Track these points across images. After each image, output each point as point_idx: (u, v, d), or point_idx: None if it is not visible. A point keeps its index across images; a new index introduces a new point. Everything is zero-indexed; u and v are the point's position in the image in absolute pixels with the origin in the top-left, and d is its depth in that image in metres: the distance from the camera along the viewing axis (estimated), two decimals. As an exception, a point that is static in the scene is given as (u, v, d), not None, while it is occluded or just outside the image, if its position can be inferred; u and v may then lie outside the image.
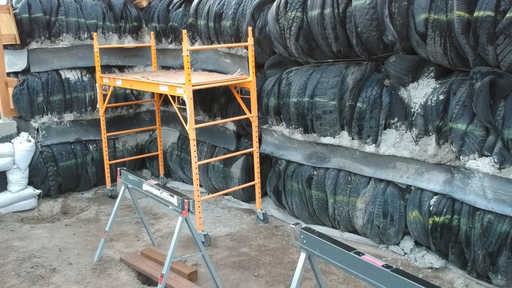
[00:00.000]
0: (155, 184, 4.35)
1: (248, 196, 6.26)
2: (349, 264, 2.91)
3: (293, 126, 5.34)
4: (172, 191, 4.12)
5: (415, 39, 4.30)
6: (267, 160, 6.06)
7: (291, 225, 3.30)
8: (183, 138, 7.11)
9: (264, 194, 5.99)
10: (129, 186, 4.74)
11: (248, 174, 6.08)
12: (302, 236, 3.24)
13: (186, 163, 6.95)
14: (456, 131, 4.11)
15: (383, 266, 2.72)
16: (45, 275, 4.61)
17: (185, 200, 3.91)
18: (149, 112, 7.55)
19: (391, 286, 2.64)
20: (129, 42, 7.21)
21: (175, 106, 5.22)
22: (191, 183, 6.96)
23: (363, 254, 2.87)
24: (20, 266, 4.82)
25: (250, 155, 6.05)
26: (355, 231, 5.12)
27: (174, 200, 4.04)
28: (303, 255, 3.26)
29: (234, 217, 5.93)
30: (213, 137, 6.48)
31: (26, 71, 6.58)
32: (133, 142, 7.45)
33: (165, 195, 4.16)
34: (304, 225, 3.54)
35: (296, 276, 3.24)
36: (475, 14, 3.80)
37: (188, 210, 3.93)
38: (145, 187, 4.43)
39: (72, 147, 6.79)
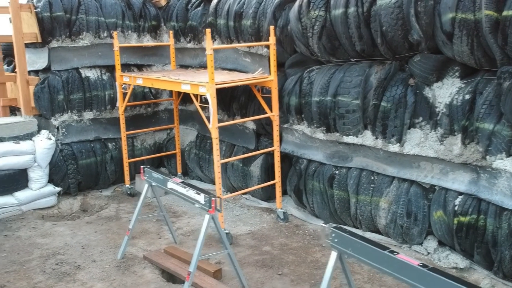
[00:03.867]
0: (180, 182, 4.37)
1: (267, 195, 6.27)
2: (383, 263, 2.92)
3: (315, 125, 5.34)
4: (199, 189, 4.14)
5: (441, 39, 4.29)
6: (286, 160, 6.06)
7: (321, 224, 3.31)
8: (201, 137, 7.14)
9: (283, 193, 5.99)
10: (153, 184, 4.77)
11: (267, 173, 6.09)
12: (333, 235, 3.25)
13: (204, 162, 6.97)
14: (482, 130, 4.10)
15: (419, 265, 2.72)
16: (70, 272, 4.64)
17: (212, 198, 3.93)
18: (167, 111, 7.58)
19: (428, 285, 2.64)
20: (147, 41, 7.24)
21: (197, 105, 5.23)
22: (209, 182, 7.01)
23: (397, 253, 2.88)
24: (45, 262, 4.86)
25: (269, 154, 6.06)
26: (377, 231, 5.11)
27: (201, 198, 4.05)
28: (334, 254, 3.27)
29: (254, 216, 5.94)
30: (232, 136, 6.50)
31: (46, 69, 6.63)
32: (151, 140, 7.49)
33: (191, 193, 4.17)
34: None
35: (327, 275, 3.24)
36: (504, 13, 3.79)
37: (216, 208, 3.94)
38: (170, 185, 4.46)
39: (92, 145, 6.84)
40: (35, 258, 4.96)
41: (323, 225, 3.30)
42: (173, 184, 4.42)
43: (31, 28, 6.40)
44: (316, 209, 5.54)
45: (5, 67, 7.40)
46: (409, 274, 2.76)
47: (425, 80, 4.58)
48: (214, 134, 5.02)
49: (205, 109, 5.42)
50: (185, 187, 4.27)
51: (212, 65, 4.88)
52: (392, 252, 2.88)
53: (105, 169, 6.94)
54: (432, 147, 4.52)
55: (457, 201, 4.37)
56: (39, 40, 6.41)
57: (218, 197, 3.96)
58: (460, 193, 4.38)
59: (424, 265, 2.72)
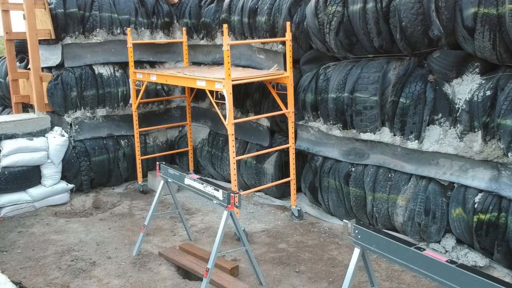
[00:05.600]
0: (197, 178, 4.34)
1: (280, 192, 6.24)
2: (409, 259, 2.87)
3: (331, 122, 5.30)
4: (216, 185, 4.10)
5: (462, 34, 4.24)
6: (299, 157, 6.01)
7: (344, 220, 3.27)
8: (214, 134, 7.11)
9: (297, 191, 5.94)
10: (169, 180, 4.74)
11: (281, 170, 6.06)
12: (356, 231, 3.21)
13: (216, 159, 6.94)
14: (504, 127, 4.04)
15: (447, 261, 2.68)
16: (86, 268, 4.62)
17: (232, 194, 3.90)
18: (179, 108, 7.55)
19: (457, 282, 2.59)
20: (160, 38, 7.21)
21: (213, 101, 5.20)
22: (222, 179, 6.97)
23: (424, 249, 2.83)
24: (60, 259, 4.84)
25: (283, 151, 6.03)
26: (393, 229, 5.06)
27: (219, 194, 4.02)
28: (357, 251, 3.22)
29: (267, 214, 5.90)
30: (245, 133, 6.46)
31: (59, 66, 6.62)
32: (163, 138, 7.47)
33: (209, 189, 4.14)
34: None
35: (350, 272, 3.20)
36: (528, 8, 3.73)
37: (234, 204, 3.91)
38: (187, 181, 4.43)
39: (104, 142, 6.82)
40: (50, 255, 4.95)
41: (345, 221, 3.26)
42: (190, 180, 4.39)
43: (44, 24, 6.39)
44: (332, 206, 5.49)
45: (17, 64, 7.39)
46: (436, 271, 2.71)
47: (444, 77, 4.53)
48: (230, 130, 4.98)
49: (218, 105, 5.40)
50: (202, 183, 4.24)
51: (229, 61, 4.85)
52: (419, 248, 2.84)
53: (118, 166, 6.92)
54: (451, 144, 4.47)
55: (477, 199, 4.32)
56: (53, 37, 6.39)
57: (237, 193, 3.92)
58: (480, 191, 4.32)
59: (452, 262, 2.67)
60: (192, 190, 4.40)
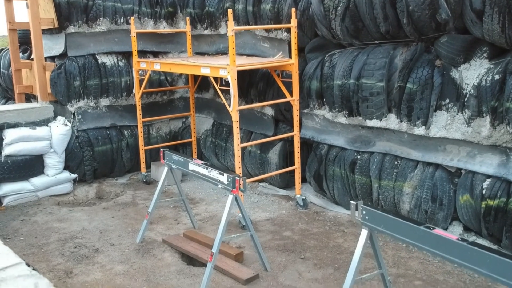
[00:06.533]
0: (202, 163, 4.29)
1: (284, 182, 6.19)
2: (419, 239, 2.82)
3: (337, 110, 5.25)
4: (221, 170, 4.06)
5: (470, 17, 4.18)
6: (304, 147, 5.96)
7: (351, 201, 3.22)
8: (218, 125, 7.06)
9: (302, 180, 5.89)
10: (173, 167, 4.70)
11: (285, 160, 6.01)
12: (364, 212, 3.16)
13: (220, 150, 6.90)
14: (513, 111, 3.98)
15: (458, 239, 2.62)
16: (89, 255, 4.58)
17: (236, 178, 3.85)
18: (183, 99, 7.51)
19: (469, 260, 2.54)
20: (164, 28, 7.17)
21: (217, 88, 5.15)
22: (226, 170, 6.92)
23: (434, 228, 2.78)
24: (63, 246, 4.80)
25: (287, 141, 5.98)
26: (400, 216, 4.99)
27: (224, 178, 3.98)
28: (364, 232, 3.17)
29: (272, 203, 5.85)
30: (249, 122, 6.41)
31: (62, 55, 6.59)
32: (166, 129, 7.43)
33: (214, 173, 4.10)
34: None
35: (358, 254, 3.15)
36: (538, -12, 3.67)
37: (239, 188, 3.86)
38: (192, 166, 4.38)
39: (108, 132, 6.78)
40: (53, 242, 4.91)
41: (353, 202, 3.21)
42: (195, 165, 4.35)
43: (48, 13, 6.36)
44: (337, 195, 5.44)
45: (20, 55, 7.36)
46: (447, 249, 2.66)
47: (452, 61, 4.47)
48: (235, 117, 4.94)
49: (222, 93, 5.34)
50: (207, 168, 4.19)
51: (233, 47, 4.81)
52: (428, 227, 2.79)
53: (121, 156, 6.88)
54: (459, 129, 4.41)
55: (485, 185, 4.26)
56: (56, 26, 6.36)
57: (242, 176, 3.87)
58: (488, 176, 4.27)
59: (463, 239, 2.62)
60: (196, 176, 4.35)
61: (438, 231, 2.74)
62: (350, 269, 3.14)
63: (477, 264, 2.52)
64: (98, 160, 6.66)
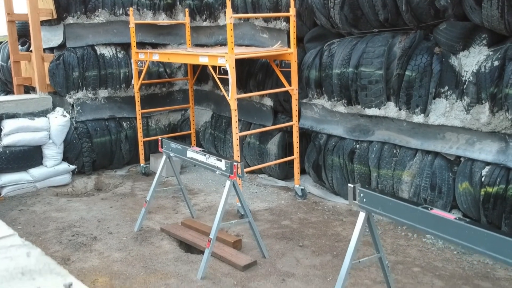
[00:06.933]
0: (200, 150, 4.28)
1: (284, 173, 6.17)
2: (417, 219, 2.80)
3: (336, 99, 5.23)
4: (219, 156, 4.04)
5: (469, 4, 4.16)
6: (303, 138, 5.94)
7: (349, 184, 3.20)
8: (217, 117, 7.05)
9: (301, 172, 5.86)
10: (171, 155, 4.68)
11: (284, 151, 5.99)
12: (362, 194, 3.14)
13: (219, 142, 6.88)
14: (512, 97, 3.96)
15: (456, 219, 2.61)
16: (86, 243, 4.57)
17: (234, 163, 3.83)
18: (182, 92, 7.49)
19: (467, 239, 2.52)
20: (163, 20, 7.15)
21: (216, 77, 5.13)
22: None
23: (431, 208, 2.76)
24: (61, 234, 4.79)
25: (286, 132, 5.96)
26: (398, 206, 4.98)
27: (221, 164, 3.96)
28: (362, 215, 3.16)
29: (271, 194, 5.83)
30: (248, 114, 6.40)
31: (61, 46, 6.57)
32: (165, 121, 7.41)
33: (211, 160, 4.08)
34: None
35: (355, 236, 3.14)
36: (538, -27, 3.65)
37: (237, 174, 3.85)
38: (190, 154, 4.37)
39: (106, 123, 6.77)
40: (50, 230, 4.90)
41: (350, 185, 3.19)
42: (193, 152, 4.33)
43: (46, 4, 6.35)
44: (336, 185, 5.42)
45: (19, 47, 7.34)
46: (446, 229, 2.64)
47: (451, 49, 4.45)
48: (233, 105, 4.92)
49: (221, 82, 5.31)
50: (205, 155, 4.18)
51: (231, 34, 4.79)
52: (426, 208, 2.77)
53: (120, 148, 6.86)
54: (458, 116, 4.39)
55: (484, 172, 4.24)
56: (55, 16, 6.34)
57: (240, 162, 3.85)
58: (488, 163, 4.25)
59: (461, 219, 2.60)
60: (194, 163, 4.34)
61: (436, 211, 2.72)
62: (347, 251, 3.12)
63: (475, 243, 2.50)
64: (97, 152, 6.65)
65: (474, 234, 2.50)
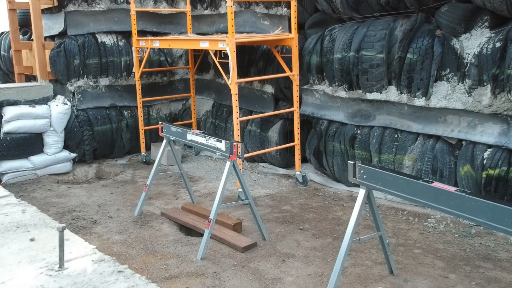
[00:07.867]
0: (200, 132, 4.26)
1: (284, 162, 6.15)
2: (417, 193, 2.78)
3: (337, 84, 5.21)
4: (219, 137, 4.02)
5: (471, -15, 4.13)
6: (304, 126, 5.91)
7: (349, 161, 3.18)
8: (218, 106, 7.03)
9: (302, 160, 5.84)
10: (172, 138, 4.67)
11: (285, 138, 5.97)
12: (362, 171, 3.12)
13: (220, 130, 6.87)
14: (514, 78, 3.93)
15: (456, 190, 2.59)
16: (86, 226, 4.56)
17: (234, 143, 3.82)
18: (183, 81, 7.48)
19: (468, 211, 2.50)
20: (164, 8, 7.13)
21: (217, 61, 5.11)
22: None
23: (432, 181, 2.74)
24: (61, 218, 4.78)
25: (287, 120, 5.94)
26: (400, 191, 4.96)
27: (221, 145, 3.95)
28: (362, 191, 3.14)
29: (272, 181, 5.82)
30: (249, 102, 6.38)
31: (62, 34, 6.56)
32: (166, 110, 7.40)
33: (211, 141, 4.07)
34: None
35: (355, 213, 3.12)
36: (540, -49, 3.62)
37: (237, 154, 3.83)
38: (190, 136, 4.35)
39: (107, 112, 6.76)
40: (51, 215, 4.83)
41: (351, 162, 3.17)
42: (193, 135, 4.32)
43: (47, -9, 6.34)
44: (337, 171, 5.40)
45: (20, 37, 7.34)
46: (446, 202, 2.62)
47: (452, 31, 4.42)
48: (234, 90, 4.90)
49: (221, 65, 5.26)
50: (205, 137, 4.16)
51: (232, 18, 4.77)
52: (427, 181, 2.75)
53: (121, 137, 6.85)
54: (459, 99, 4.37)
55: (485, 154, 4.22)
56: (56, 4, 6.34)
57: (240, 142, 3.84)
58: (489, 146, 4.22)
59: (462, 190, 2.58)
60: (195, 145, 4.33)
61: (437, 184, 2.70)
62: (347, 229, 3.11)
63: (476, 214, 2.48)
64: (98, 140, 6.64)
65: (475, 205, 2.47)
